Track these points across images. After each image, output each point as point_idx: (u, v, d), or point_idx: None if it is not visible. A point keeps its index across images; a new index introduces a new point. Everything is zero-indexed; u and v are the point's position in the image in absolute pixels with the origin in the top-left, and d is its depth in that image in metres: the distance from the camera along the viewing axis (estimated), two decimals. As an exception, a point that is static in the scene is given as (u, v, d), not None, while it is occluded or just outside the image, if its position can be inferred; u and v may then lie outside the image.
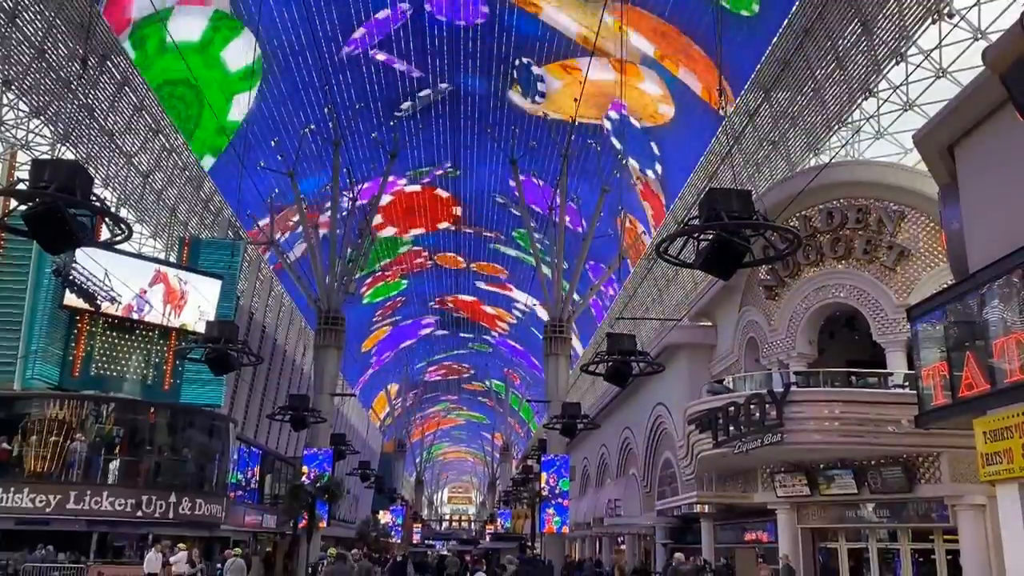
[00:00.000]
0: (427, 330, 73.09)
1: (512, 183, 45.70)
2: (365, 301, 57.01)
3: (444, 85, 38.82)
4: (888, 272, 21.73)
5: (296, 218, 42.61)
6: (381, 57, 36.19)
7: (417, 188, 48.15)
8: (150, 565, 21.29)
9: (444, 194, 49.21)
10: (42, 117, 27.67)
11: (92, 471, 26.60)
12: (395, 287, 61.02)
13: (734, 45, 28.52)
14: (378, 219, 40.63)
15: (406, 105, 39.46)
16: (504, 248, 55.47)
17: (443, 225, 52.73)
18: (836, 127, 27.48)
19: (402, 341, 73.33)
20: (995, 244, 12.38)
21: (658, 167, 39.50)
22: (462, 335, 75.57)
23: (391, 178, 42.36)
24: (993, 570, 17.59)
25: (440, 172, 46.21)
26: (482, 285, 62.95)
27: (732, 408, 21.46)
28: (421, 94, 39.02)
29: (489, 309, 67.81)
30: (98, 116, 29.44)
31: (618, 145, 39.01)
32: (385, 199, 41.73)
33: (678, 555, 18.05)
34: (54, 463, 25.66)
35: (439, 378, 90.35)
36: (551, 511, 34.15)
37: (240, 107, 35.51)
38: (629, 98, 35.97)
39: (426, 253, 57.39)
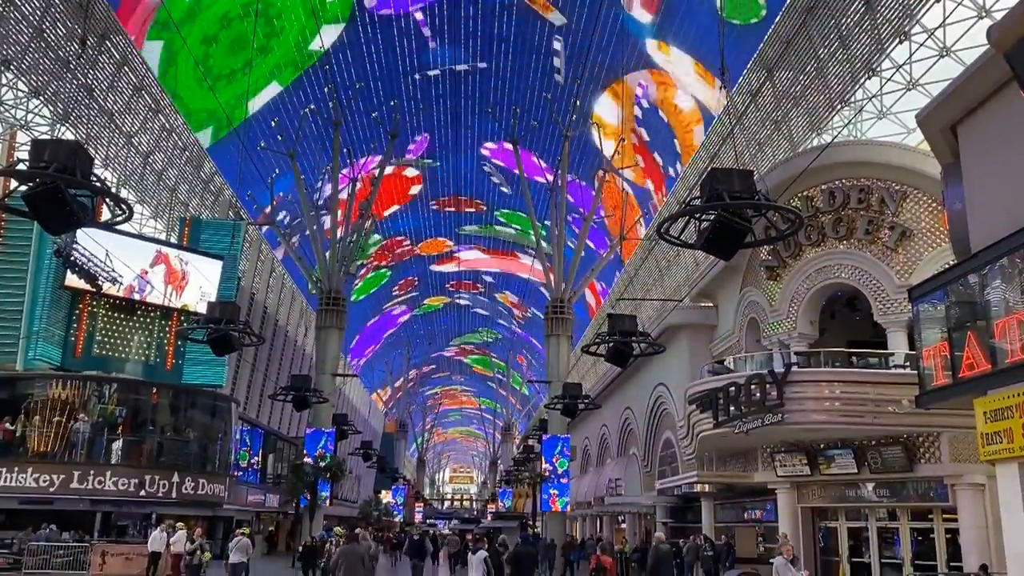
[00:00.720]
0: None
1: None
2: (354, 298, 56.84)
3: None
4: (890, 252, 21.70)
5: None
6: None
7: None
8: (155, 544, 21.43)
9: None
10: (41, 97, 27.58)
11: (95, 451, 26.74)
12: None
13: (742, 51, 28.66)
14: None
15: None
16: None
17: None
18: (839, 107, 27.35)
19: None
20: (998, 224, 12.35)
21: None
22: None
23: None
24: (992, 549, 17.68)
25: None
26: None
27: (733, 388, 21.49)
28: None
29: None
30: (97, 96, 29.34)
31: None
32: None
33: (658, 534, 18.24)
34: (57, 443, 25.79)
35: (457, 356, 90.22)
36: (555, 491, 34.43)
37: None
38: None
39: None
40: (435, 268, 62.74)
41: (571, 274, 37.72)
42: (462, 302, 72.63)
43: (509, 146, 43.13)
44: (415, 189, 50.00)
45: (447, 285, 67.49)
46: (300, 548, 25.46)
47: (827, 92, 27.36)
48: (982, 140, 13.40)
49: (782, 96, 29.29)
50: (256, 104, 35.95)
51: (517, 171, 39.18)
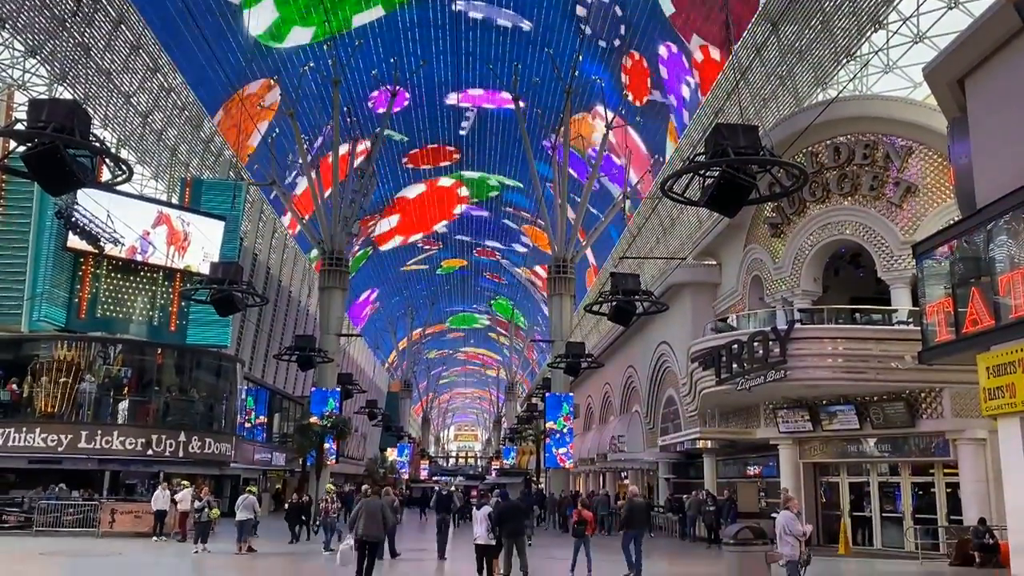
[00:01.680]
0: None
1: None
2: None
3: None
4: (894, 208, 21.58)
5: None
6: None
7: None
8: (158, 502, 21.70)
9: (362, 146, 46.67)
10: (38, 56, 27.29)
11: (102, 411, 26.98)
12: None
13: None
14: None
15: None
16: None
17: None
18: (844, 61, 26.99)
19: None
20: (1004, 178, 12.25)
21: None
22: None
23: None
24: (992, 502, 17.85)
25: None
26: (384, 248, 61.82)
27: (735, 346, 21.54)
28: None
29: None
30: (94, 55, 29.01)
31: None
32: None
33: (632, 488, 18.69)
34: (64, 404, 26.00)
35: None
36: (560, 450, 34.83)
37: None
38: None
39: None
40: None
41: (574, 231, 37.64)
42: (478, 268, 72.30)
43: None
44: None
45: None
46: (286, 506, 25.63)
47: (832, 46, 26.98)
48: (990, 94, 13.23)
49: (787, 50, 28.90)
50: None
51: (520, 132, 38.87)
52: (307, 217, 42.61)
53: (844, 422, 20.90)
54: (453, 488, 40.03)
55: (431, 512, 31.48)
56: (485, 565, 13.86)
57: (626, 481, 40.74)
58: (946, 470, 19.68)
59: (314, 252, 46.53)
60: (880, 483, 21.19)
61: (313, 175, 38.59)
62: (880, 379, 19.60)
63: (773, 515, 20.11)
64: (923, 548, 18.52)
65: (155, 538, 21.32)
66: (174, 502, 21.77)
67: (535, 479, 47.12)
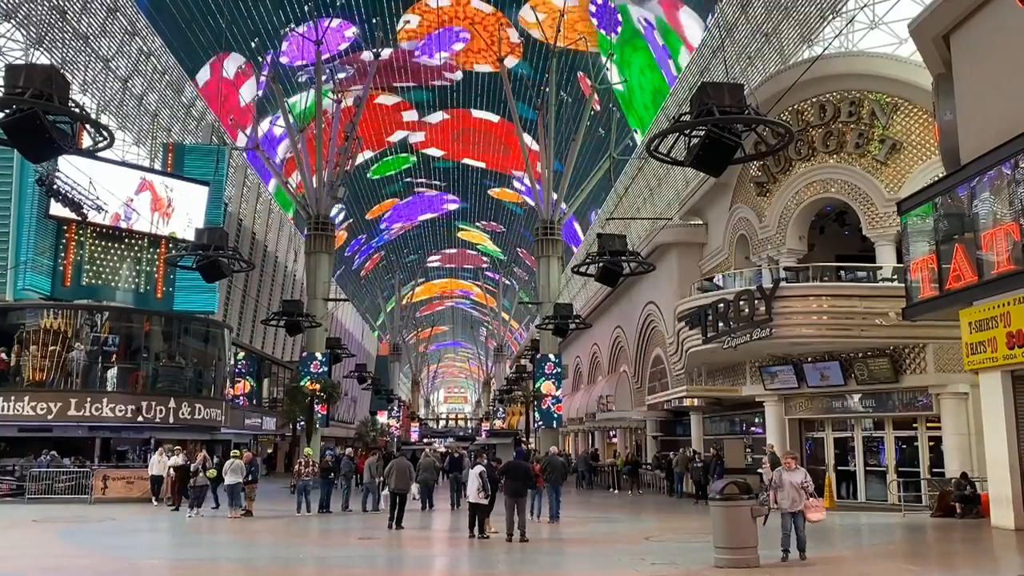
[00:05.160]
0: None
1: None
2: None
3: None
4: (879, 166, 21.62)
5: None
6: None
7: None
8: (155, 467, 21.80)
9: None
10: (13, 20, 26.77)
11: (91, 379, 26.95)
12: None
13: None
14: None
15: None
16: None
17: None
18: (830, 17, 26.83)
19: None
20: (988, 134, 12.30)
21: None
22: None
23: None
24: (973, 455, 18.19)
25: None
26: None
27: (721, 304, 21.68)
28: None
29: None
30: (70, 18, 28.48)
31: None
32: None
33: (552, 448, 20.24)
34: (53, 372, 25.96)
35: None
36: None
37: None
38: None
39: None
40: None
41: (560, 193, 37.55)
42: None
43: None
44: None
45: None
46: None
47: (818, 2, 26.80)
48: (974, 50, 13.23)
49: (773, 7, 28.69)
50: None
51: (506, 94, 38.54)
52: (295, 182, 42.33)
53: (829, 378, 21.13)
54: (464, 451, 40.73)
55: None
56: (477, 522, 14.14)
57: (552, 448, 41.16)
58: (929, 424, 19.99)
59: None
60: (864, 438, 21.50)
61: (298, 140, 38.26)
62: (865, 336, 19.81)
63: (759, 470, 20.48)
64: (906, 501, 18.86)
65: (155, 502, 21.47)
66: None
67: (524, 439, 47.55)
